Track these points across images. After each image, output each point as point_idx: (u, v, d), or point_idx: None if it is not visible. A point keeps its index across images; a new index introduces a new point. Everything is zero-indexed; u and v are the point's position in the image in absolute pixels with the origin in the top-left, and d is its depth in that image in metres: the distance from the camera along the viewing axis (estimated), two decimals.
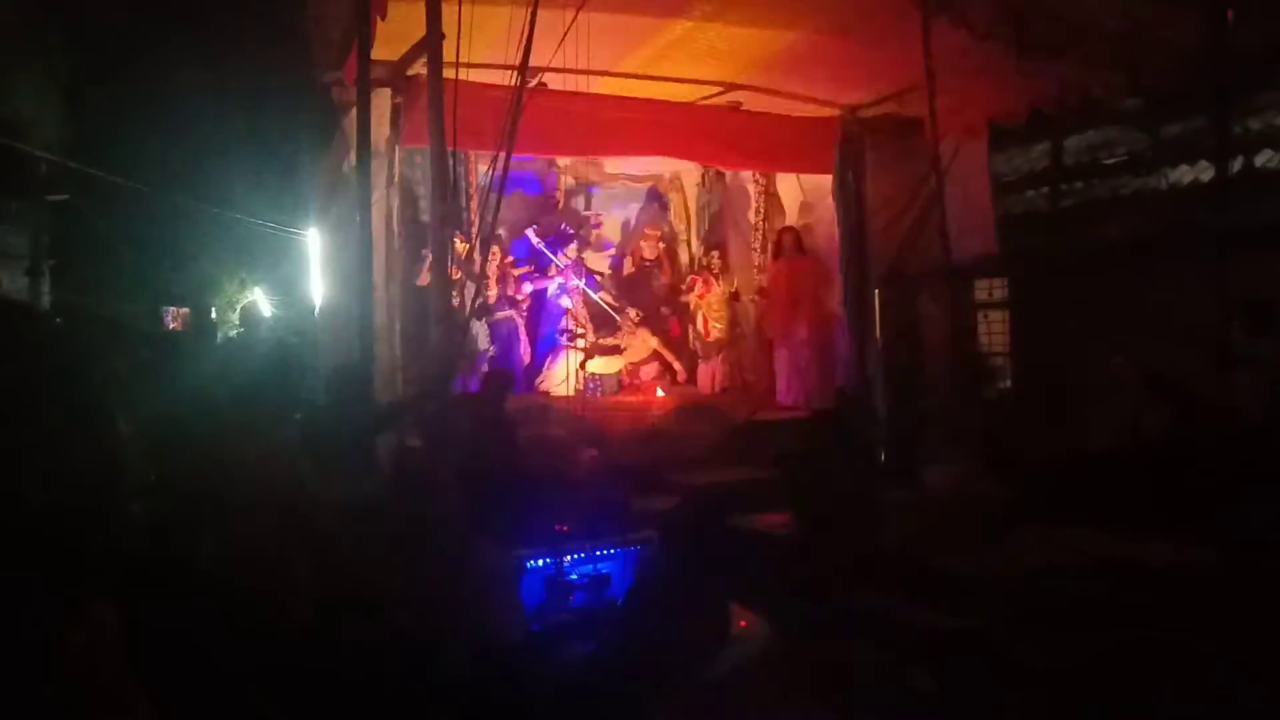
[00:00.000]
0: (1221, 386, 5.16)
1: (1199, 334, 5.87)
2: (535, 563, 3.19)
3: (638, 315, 8.52)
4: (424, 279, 6.72)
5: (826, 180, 7.63)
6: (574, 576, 3.18)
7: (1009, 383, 8.75)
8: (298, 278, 10.01)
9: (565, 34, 4.64)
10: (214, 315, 11.97)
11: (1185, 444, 4.99)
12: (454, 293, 6.40)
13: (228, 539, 2.05)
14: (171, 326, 10.09)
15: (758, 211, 8.82)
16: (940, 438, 6.34)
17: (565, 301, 8.43)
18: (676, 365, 8.57)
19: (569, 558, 3.27)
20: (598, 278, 8.82)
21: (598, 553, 3.52)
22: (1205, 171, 6.99)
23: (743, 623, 2.97)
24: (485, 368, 7.28)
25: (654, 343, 8.48)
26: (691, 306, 8.73)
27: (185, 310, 10.79)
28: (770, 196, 8.81)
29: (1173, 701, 3.23)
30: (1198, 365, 5.67)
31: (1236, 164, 6.26)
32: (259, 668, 1.94)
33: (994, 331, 9.03)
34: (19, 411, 1.07)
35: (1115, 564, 4.32)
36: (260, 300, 11.68)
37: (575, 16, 4.44)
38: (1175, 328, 6.80)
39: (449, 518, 2.38)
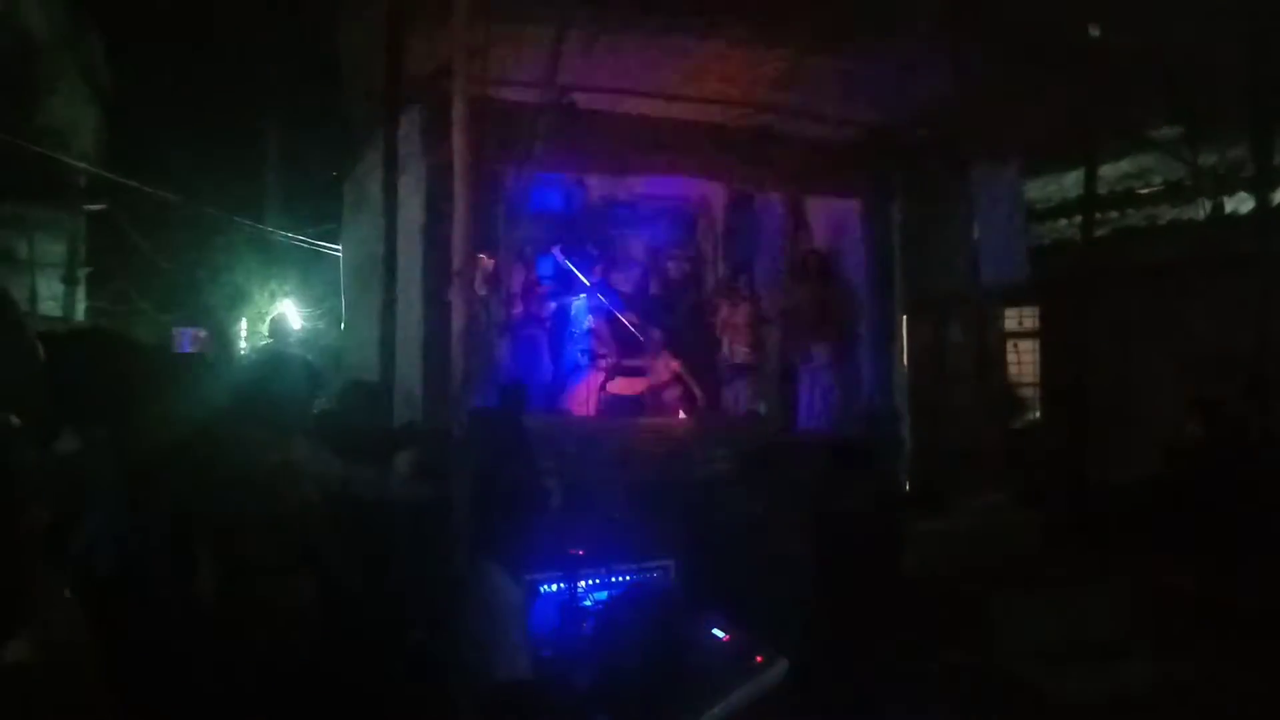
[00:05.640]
0: (1260, 414, 5.03)
1: (1233, 362, 5.72)
2: (549, 587, 3.12)
3: (661, 337, 8.48)
4: (451, 294, 6.73)
5: (855, 203, 7.57)
6: (588, 603, 3.11)
7: (1038, 413, 8.59)
8: (328, 292, 10.11)
9: (596, 54, 4.65)
10: (242, 328, 12.09)
11: (1228, 471, 4.86)
12: (480, 310, 6.39)
13: (233, 554, 2.02)
14: (191, 349, 10.16)
15: (785, 234, 8.76)
16: (967, 466, 6.21)
17: (589, 321, 8.41)
18: (696, 390, 8.49)
19: (584, 583, 3.20)
20: (622, 298, 8.79)
21: (613, 578, 3.45)
22: (1245, 203, 6.85)
23: (759, 658, 2.88)
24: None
25: (676, 365, 8.42)
26: (717, 329, 8.67)
27: (203, 332, 10.89)
28: (798, 219, 8.74)
29: None
30: (1234, 394, 5.52)
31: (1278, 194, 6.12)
32: (262, 681, 1.89)
33: (1024, 360, 8.89)
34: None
35: (1154, 593, 4.17)
36: (289, 313, 11.78)
37: (617, 37, 4.44)
38: (1210, 356, 6.64)
39: (457, 541, 2.33)
